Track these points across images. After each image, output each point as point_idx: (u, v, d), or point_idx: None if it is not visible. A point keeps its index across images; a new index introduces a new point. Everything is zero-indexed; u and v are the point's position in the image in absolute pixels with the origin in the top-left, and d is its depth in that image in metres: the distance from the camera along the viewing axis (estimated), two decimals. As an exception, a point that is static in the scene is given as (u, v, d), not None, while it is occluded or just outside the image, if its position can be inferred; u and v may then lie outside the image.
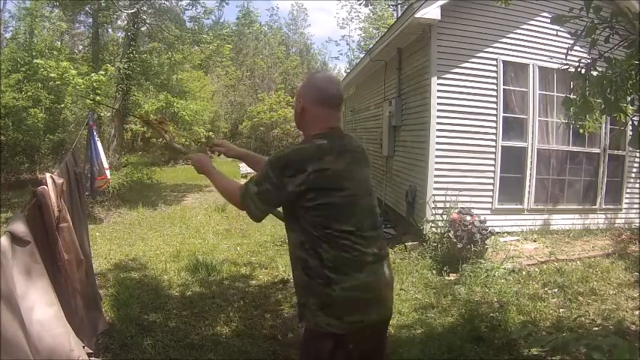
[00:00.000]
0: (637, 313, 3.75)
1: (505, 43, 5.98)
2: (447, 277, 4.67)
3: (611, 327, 3.47)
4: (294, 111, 1.80)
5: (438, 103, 5.78)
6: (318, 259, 1.61)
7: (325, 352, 1.61)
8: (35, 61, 8.68)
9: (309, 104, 1.71)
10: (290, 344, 3.21)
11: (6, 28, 14.81)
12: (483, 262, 4.82)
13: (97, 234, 6.45)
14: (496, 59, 5.94)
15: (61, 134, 9.59)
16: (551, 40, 5.81)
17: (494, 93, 5.96)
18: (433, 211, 5.66)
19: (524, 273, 4.70)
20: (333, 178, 1.60)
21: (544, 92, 6.20)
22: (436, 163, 5.80)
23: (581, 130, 3.49)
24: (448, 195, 5.67)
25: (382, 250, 1.72)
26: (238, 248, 5.83)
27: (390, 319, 1.85)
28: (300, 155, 1.62)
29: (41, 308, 1.69)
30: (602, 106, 2.51)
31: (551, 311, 3.79)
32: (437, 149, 5.80)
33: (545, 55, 5.99)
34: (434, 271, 4.84)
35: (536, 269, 4.81)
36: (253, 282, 4.57)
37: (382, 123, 8.02)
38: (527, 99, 6.11)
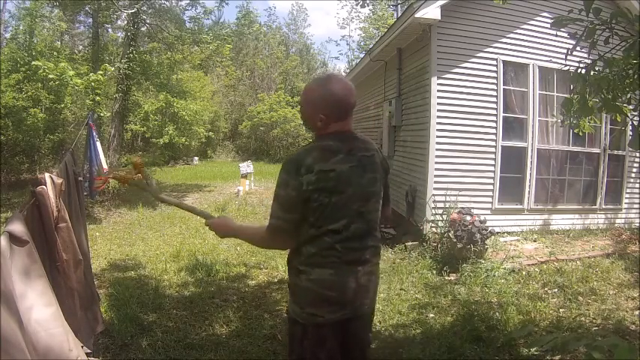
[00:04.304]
0: (637, 313, 3.75)
1: (505, 43, 5.98)
2: (447, 277, 4.67)
3: (611, 327, 3.47)
4: (303, 114, 1.81)
5: (438, 103, 5.78)
6: (299, 255, 1.72)
7: (296, 337, 1.78)
8: (34, 62, 8.67)
9: (330, 113, 1.70)
10: (289, 344, 3.21)
11: (6, 28, 14.82)
12: (483, 262, 4.82)
13: (97, 234, 6.45)
14: (496, 59, 5.94)
15: (61, 134, 9.59)
16: (551, 40, 5.81)
17: (495, 93, 5.96)
18: (433, 211, 5.66)
19: (524, 273, 4.70)
20: (335, 180, 1.64)
21: (544, 92, 6.20)
22: (436, 163, 5.79)
23: (576, 130, 3.49)
24: (448, 195, 5.66)
25: (366, 257, 1.75)
26: (238, 248, 5.82)
27: (363, 319, 1.85)
28: (309, 155, 1.65)
29: (40, 308, 1.69)
30: (600, 105, 2.52)
31: (551, 311, 3.78)
32: (437, 149, 5.80)
33: (545, 55, 5.99)
34: (434, 271, 4.83)
35: (536, 269, 4.81)
36: (252, 282, 4.56)
37: (382, 123, 8.01)
38: (527, 99, 6.11)
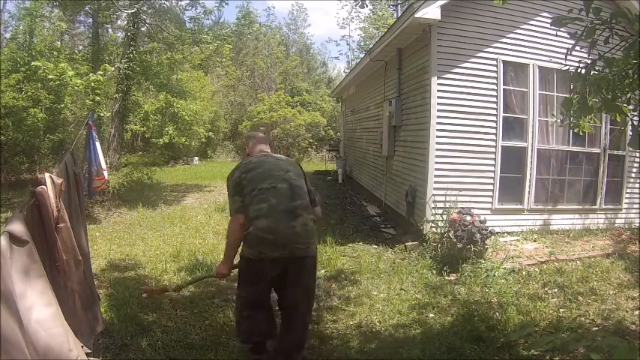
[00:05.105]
0: (637, 313, 3.75)
1: (505, 43, 5.98)
2: (446, 277, 4.67)
3: (611, 327, 3.47)
4: (245, 149, 3.16)
5: (438, 103, 5.77)
6: (248, 217, 2.59)
7: (243, 268, 2.71)
8: (33, 63, 8.66)
9: (250, 145, 3.11)
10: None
11: (6, 28, 14.83)
12: (483, 262, 4.82)
13: (97, 234, 6.45)
14: (496, 59, 5.93)
15: (61, 134, 9.57)
16: (551, 40, 5.81)
17: (495, 93, 5.96)
18: (433, 211, 5.65)
19: (524, 273, 4.70)
20: (255, 163, 2.79)
21: (544, 92, 6.19)
22: (436, 163, 5.79)
23: (576, 130, 3.49)
24: (448, 195, 5.66)
25: (297, 210, 2.61)
26: (238, 248, 5.82)
27: (301, 261, 2.64)
28: (240, 163, 2.90)
29: (40, 308, 1.68)
30: (600, 105, 2.52)
31: (551, 311, 3.78)
32: (437, 149, 5.79)
33: (545, 55, 5.98)
34: (434, 271, 4.83)
35: (536, 269, 4.81)
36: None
37: (382, 123, 8.01)
38: (527, 99, 6.10)
